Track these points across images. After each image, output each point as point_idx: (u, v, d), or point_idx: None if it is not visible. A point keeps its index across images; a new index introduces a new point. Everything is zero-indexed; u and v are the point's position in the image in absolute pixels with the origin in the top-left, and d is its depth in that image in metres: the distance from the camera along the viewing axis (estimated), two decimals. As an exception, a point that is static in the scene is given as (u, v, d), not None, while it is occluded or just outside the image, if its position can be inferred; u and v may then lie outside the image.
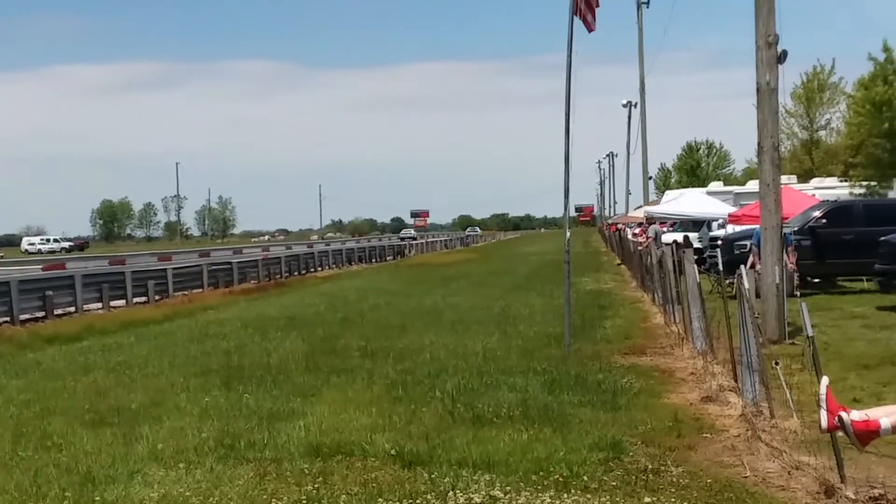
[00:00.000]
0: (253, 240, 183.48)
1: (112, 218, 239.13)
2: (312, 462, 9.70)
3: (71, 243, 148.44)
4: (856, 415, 7.53)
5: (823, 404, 7.57)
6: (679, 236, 41.31)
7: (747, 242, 26.75)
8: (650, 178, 76.19)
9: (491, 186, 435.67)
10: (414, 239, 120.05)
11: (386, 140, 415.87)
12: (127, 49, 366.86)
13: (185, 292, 36.81)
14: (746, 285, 11.11)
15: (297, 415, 12.07)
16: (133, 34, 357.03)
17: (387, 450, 9.98)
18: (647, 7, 63.12)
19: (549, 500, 8.34)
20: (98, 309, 30.64)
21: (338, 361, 16.64)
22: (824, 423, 7.58)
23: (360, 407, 12.35)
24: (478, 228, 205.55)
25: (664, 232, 43.44)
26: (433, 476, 9.06)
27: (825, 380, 7.70)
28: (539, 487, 8.69)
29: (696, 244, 37.77)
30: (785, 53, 18.01)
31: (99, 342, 21.13)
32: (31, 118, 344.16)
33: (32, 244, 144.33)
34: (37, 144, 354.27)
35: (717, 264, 24.55)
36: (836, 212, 28.03)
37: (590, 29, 17.11)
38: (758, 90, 18.14)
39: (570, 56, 17.07)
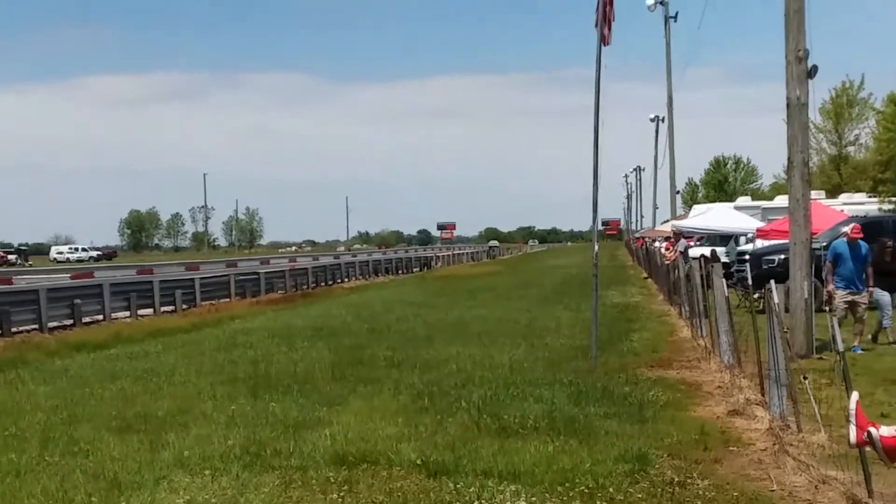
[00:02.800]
0: (280, 250, 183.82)
1: (140, 228, 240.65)
2: (338, 470, 9.71)
3: (99, 252, 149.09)
4: (885, 430, 7.50)
5: (853, 419, 7.54)
6: (706, 251, 41.15)
7: (775, 257, 26.64)
8: (677, 192, 75.99)
9: (517, 199, 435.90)
10: (497, 248, 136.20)
11: (413, 152, 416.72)
12: (156, 60, 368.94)
13: (213, 302, 36.99)
14: (776, 299, 11.06)
15: (323, 423, 12.08)
16: (162, 46, 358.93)
17: (412, 459, 9.98)
18: (675, 22, 62.78)
19: (574, 511, 8.32)
20: (126, 317, 30.81)
21: (364, 371, 16.65)
22: (853, 438, 7.55)
23: (386, 416, 12.35)
24: (536, 241, 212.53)
25: (691, 246, 43.30)
26: (458, 486, 9.06)
27: (855, 395, 7.67)
28: (564, 499, 8.68)
29: (724, 259, 37.60)
30: (815, 68, 17.94)
31: (126, 350, 21.24)
32: (60, 129, 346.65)
33: (61, 253, 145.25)
34: (65, 154, 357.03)
35: (744, 279, 24.41)
36: (865, 228, 27.78)
37: (606, 42, 17.12)
38: (788, 105, 18.08)
39: (598, 70, 17.09)
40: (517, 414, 12.21)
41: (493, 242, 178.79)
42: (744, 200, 56.34)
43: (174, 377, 16.60)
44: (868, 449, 7.71)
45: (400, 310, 30.57)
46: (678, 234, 45.15)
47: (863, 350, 17.91)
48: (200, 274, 43.87)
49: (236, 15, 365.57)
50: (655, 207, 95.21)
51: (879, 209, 44.76)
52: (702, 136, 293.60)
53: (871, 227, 28.02)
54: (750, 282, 16.57)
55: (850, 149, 69.31)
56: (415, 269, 71.21)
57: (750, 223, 40.72)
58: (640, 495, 8.77)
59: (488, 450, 10.37)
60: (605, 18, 16.88)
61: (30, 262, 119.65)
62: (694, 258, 28.07)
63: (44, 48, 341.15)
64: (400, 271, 67.31)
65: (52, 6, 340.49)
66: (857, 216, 30.86)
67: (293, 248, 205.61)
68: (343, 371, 16.65)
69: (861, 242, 18.89)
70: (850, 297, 18.50)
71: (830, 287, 18.95)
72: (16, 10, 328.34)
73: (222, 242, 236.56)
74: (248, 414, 12.84)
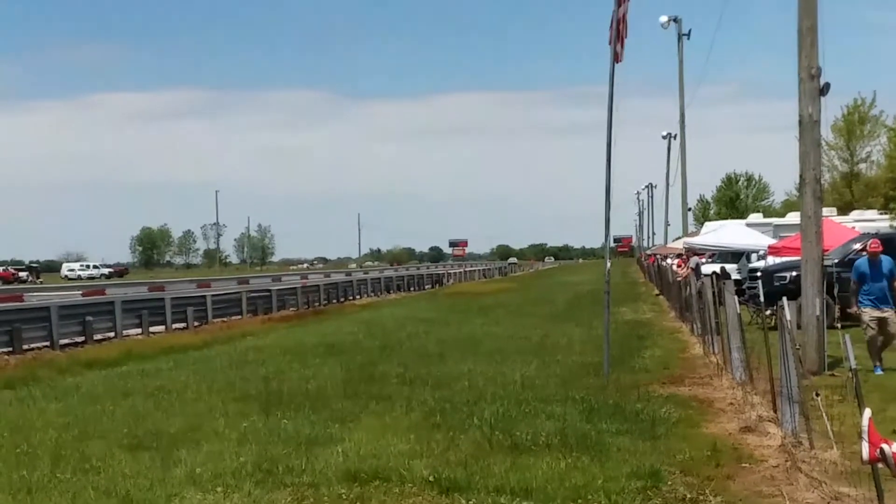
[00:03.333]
0: (291, 267, 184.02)
1: (151, 245, 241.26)
2: (350, 487, 9.71)
3: (110, 269, 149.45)
4: (898, 447, 7.47)
5: (865, 436, 7.51)
6: (716, 268, 41.07)
7: (787, 274, 26.58)
8: (689, 209, 75.93)
9: (529, 216, 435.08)
10: (517, 265, 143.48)
11: (424, 169, 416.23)
12: (167, 77, 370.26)
13: (224, 319, 37.06)
14: (788, 316, 11.04)
15: (336, 440, 12.08)
16: (174, 63, 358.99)
17: (424, 476, 9.97)
18: (688, 39, 62.86)
19: (587, 528, 8.30)
20: (138, 334, 30.90)
21: (376, 388, 16.65)
22: (866, 454, 7.52)
23: (398, 433, 12.34)
24: (552, 258, 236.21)
25: (703, 263, 43.28)
26: (471, 503, 9.06)
27: (868, 411, 7.64)
28: (577, 515, 8.67)
29: (735, 276, 37.55)
30: (827, 86, 17.92)
31: (138, 367, 21.25)
32: (72, 145, 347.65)
33: (72, 270, 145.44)
34: (77, 171, 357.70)
35: (756, 296, 24.39)
36: (877, 244, 27.72)
37: (618, 60, 17.16)
38: (800, 122, 18.07)
39: (611, 87, 17.12)
40: (529, 431, 12.20)
41: (512, 259, 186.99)
42: (755, 217, 56.32)
43: (186, 394, 16.61)
44: (881, 465, 7.68)
45: (412, 327, 30.55)
46: (690, 252, 45.18)
47: (883, 371, 17.54)
48: (212, 291, 43.95)
49: (249, 33, 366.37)
50: (667, 224, 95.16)
51: (891, 226, 44.63)
52: (714, 153, 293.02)
53: (881, 244, 27.95)
54: (762, 299, 16.50)
55: (862, 166, 69.28)
56: (427, 286, 71.26)
57: (762, 240, 40.67)
58: (652, 512, 8.76)
59: (500, 466, 10.36)
60: (618, 36, 16.93)
61: (41, 280, 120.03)
62: (706, 275, 28.07)
63: (58, 64, 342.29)
64: (412, 288, 67.37)
65: (68, 24, 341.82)
66: (868, 233, 30.82)
67: (305, 266, 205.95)
68: (355, 388, 16.65)
69: (883, 257, 18.25)
70: (878, 315, 17.90)
71: (855, 308, 18.43)
72: (33, 28, 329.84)
73: (234, 259, 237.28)
74: (259, 431, 12.83)
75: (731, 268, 41.00)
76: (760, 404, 13.19)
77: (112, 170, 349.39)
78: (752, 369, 14.38)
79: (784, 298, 11.58)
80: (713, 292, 18.77)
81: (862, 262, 18.46)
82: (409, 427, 12.83)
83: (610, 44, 17.03)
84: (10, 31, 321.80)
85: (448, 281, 79.64)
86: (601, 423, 12.82)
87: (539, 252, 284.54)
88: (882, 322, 17.87)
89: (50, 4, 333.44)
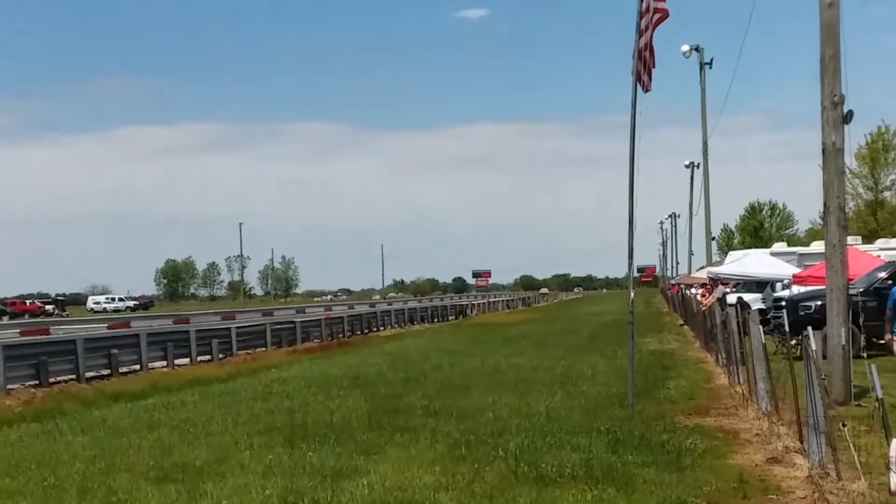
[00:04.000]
0: (315, 299, 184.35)
1: (176, 277, 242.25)
2: (376, 520, 9.70)
3: (136, 302, 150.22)
4: (925, 477, 7.44)
5: (893, 466, 7.50)
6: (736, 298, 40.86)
7: (812, 303, 26.43)
8: (713, 238, 75.74)
9: (552, 247, 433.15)
10: (545, 295, 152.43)
11: (448, 200, 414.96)
12: (192, 111, 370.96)
13: (249, 351, 37.05)
14: (813, 346, 11.00)
15: (361, 473, 12.08)
16: (198, 97, 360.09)
17: (450, 508, 9.96)
18: (710, 68, 62.81)
19: (613, 560, 8.27)
20: (163, 367, 30.91)
21: (401, 420, 16.64)
22: (894, 485, 7.50)
23: (424, 465, 12.34)
24: (580, 288, 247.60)
25: (728, 292, 43.11)
26: (497, 535, 9.04)
27: (895, 442, 7.62)
28: (603, 548, 8.64)
29: (760, 305, 37.39)
30: (851, 114, 17.85)
31: (163, 399, 21.29)
32: (98, 178, 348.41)
33: (98, 303, 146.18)
34: (102, 204, 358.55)
35: (781, 325, 24.28)
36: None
37: (645, 89, 17.14)
38: (823, 150, 18.02)
39: (633, 117, 17.12)
40: (555, 462, 12.18)
41: (543, 289, 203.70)
42: (780, 246, 56.09)
43: (211, 427, 16.64)
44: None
45: (436, 358, 30.52)
46: (716, 281, 45.05)
47: None
48: (237, 323, 44.00)
49: (271, 67, 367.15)
50: (691, 254, 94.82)
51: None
52: (737, 182, 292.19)
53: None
54: (787, 328, 16.40)
55: (887, 194, 69.16)
56: (451, 317, 71.14)
57: (786, 269, 40.53)
58: (679, 544, 8.72)
59: (526, 499, 10.35)
60: (644, 65, 16.93)
61: (67, 313, 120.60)
62: (731, 304, 27.96)
63: (84, 99, 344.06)
64: (436, 319, 67.27)
65: (94, 58, 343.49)
66: (893, 261, 30.67)
67: (329, 297, 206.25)
68: (380, 420, 16.65)
69: None
70: None
71: (889, 336, 18.12)
72: (59, 62, 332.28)
73: (258, 291, 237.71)
74: (285, 463, 12.86)
75: (750, 298, 40.83)
76: (787, 435, 13.13)
77: (137, 202, 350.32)
78: (777, 399, 14.32)
79: (809, 328, 11.54)
80: (738, 322, 18.70)
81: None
82: (434, 459, 12.83)
83: (632, 74, 17.03)
84: (38, 65, 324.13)
85: (471, 312, 79.49)
86: (627, 454, 12.80)
87: (563, 282, 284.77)
88: None
89: (76, 38, 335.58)
